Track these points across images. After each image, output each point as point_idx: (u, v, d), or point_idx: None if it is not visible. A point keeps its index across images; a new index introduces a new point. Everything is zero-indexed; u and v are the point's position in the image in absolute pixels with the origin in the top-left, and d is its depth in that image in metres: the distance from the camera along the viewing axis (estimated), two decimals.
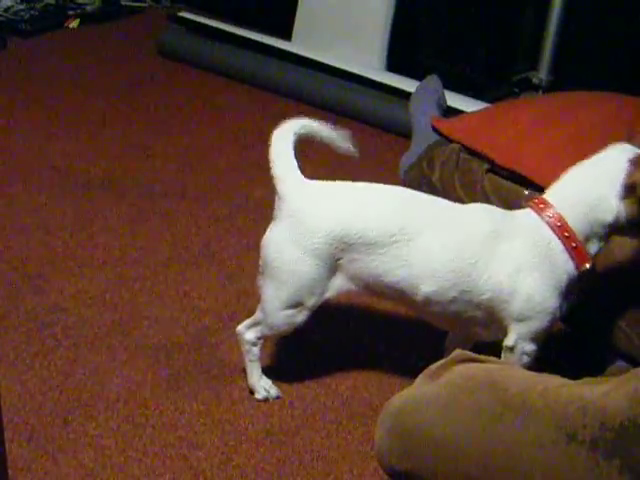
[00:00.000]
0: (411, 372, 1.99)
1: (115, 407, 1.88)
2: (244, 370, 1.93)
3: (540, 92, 3.17)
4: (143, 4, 4.27)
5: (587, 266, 1.76)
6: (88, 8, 4.06)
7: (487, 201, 2.35)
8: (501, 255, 1.74)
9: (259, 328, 1.88)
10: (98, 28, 3.99)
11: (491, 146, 2.43)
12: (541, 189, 2.30)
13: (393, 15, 3.32)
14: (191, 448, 1.79)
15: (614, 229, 1.77)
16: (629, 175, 1.71)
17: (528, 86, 3.18)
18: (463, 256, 1.74)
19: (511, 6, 3.32)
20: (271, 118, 3.20)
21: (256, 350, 1.90)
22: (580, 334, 2.16)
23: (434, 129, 2.60)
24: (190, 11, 3.80)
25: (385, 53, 3.34)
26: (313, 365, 2.02)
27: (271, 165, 1.81)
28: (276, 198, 1.80)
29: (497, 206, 2.32)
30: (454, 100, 2.91)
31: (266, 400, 1.91)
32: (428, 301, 1.78)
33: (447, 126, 2.60)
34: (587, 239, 1.76)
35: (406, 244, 1.74)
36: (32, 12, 3.92)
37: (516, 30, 3.34)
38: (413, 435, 1.38)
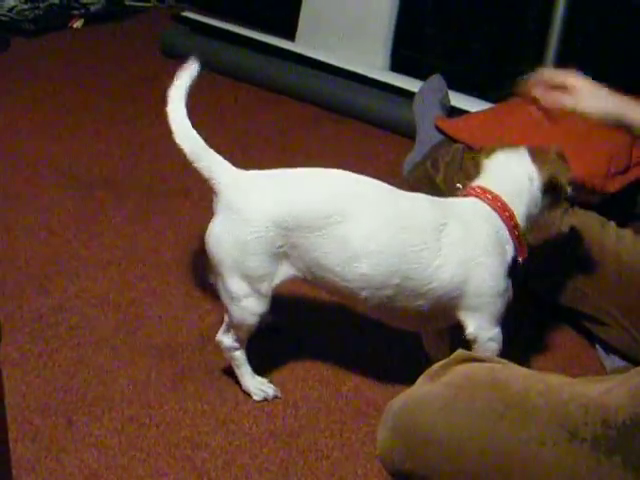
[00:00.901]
0: (414, 371, 1.99)
1: (119, 407, 1.88)
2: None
3: None
4: (147, 4, 4.27)
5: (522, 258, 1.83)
6: (92, 8, 4.06)
7: None
8: (450, 244, 1.74)
9: (232, 331, 1.87)
10: (102, 28, 4.00)
11: None
12: None
13: (397, 15, 3.32)
14: (195, 448, 1.79)
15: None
16: (542, 171, 1.81)
17: None
18: (408, 242, 1.73)
19: (515, 6, 3.32)
20: (275, 118, 3.23)
21: (239, 354, 1.89)
22: (579, 332, 2.16)
23: (438, 129, 2.60)
24: (194, 11, 3.80)
25: (389, 53, 3.34)
26: (316, 365, 2.02)
27: (196, 166, 1.81)
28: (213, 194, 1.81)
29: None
30: (458, 100, 2.91)
31: (265, 400, 1.91)
32: (368, 286, 1.75)
33: (451, 126, 2.60)
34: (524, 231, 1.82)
35: (344, 225, 1.72)
36: (36, 12, 3.93)
37: (520, 30, 3.34)
38: (415, 435, 1.38)
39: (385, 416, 1.44)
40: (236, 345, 1.88)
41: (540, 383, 1.34)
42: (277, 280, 1.80)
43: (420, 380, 1.46)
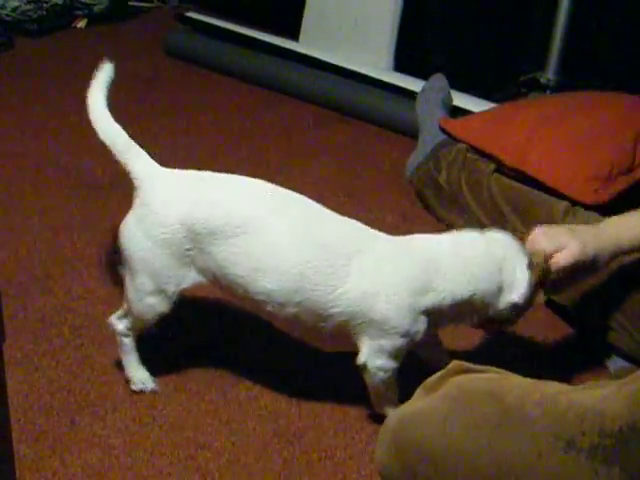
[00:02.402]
0: (416, 371, 1.99)
1: (123, 407, 1.88)
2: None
3: (548, 92, 3.17)
4: (150, 4, 4.27)
5: None
6: (96, 8, 4.06)
7: (494, 201, 2.36)
8: (360, 272, 1.69)
9: (128, 319, 1.86)
10: (105, 28, 4.00)
11: (498, 146, 2.43)
12: (548, 189, 2.31)
13: (400, 15, 3.32)
14: (199, 448, 1.79)
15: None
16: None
17: (536, 86, 3.18)
18: (316, 264, 1.68)
19: (519, 5, 3.32)
20: (278, 118, 3.23)
21: (128, 341, 1.88)
22: (583, 334, 2.15)
23: (441, 129, 2.60)
24: (197, 11, 3.80)
25: (392, 53, 3.34)
26: (320, 365, 2.02)
27: (118, 159, 1.83)
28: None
29: (503, 206, 2.33)
30: (461, 100, 2.91)
31: (142, 392, 1.89)
32: (271, 300, 1.72)
33: (454, 126, 2.60)
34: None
35: (252, 236, 1.68)
36: (39, 12, 3.93)
37: (524, 30, 3.34)
38: (412, 451, 1.38)
39: (381, 432, 1.44)
40: (127, 332, 1.87)
41: (536, 392, 1.33)
42: (185, 284, 1.78)
43: (416, 394, 1.46)
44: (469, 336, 2.12)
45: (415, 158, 2.61)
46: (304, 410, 1.90)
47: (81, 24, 4.00)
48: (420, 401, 1.42)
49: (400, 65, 3.34)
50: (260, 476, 1.74)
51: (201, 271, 1.76)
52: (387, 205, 2.65)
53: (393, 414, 1.46)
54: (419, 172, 2.56)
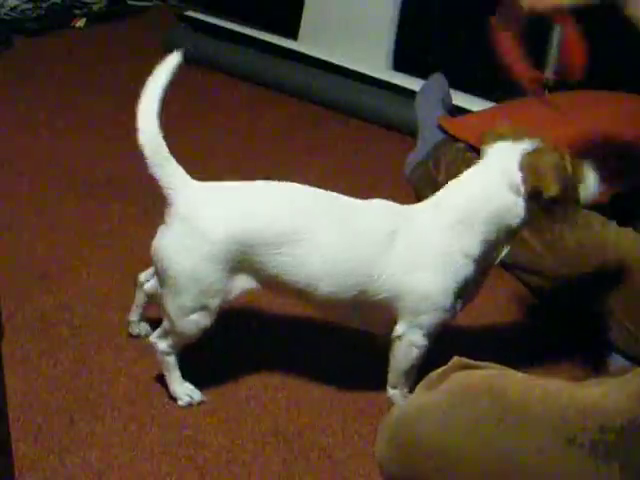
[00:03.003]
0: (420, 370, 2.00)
1: (122, 406, 1.88)
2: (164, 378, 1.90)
3: (547, 91, 3.16)
4: (149, 3, 4.27)
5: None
6: (94, 7, 4.06)
7: None
8: (397, 254, 1.73)
9: (170, 338, 1.83)
10: (104, 27, 4.00)
11: None
12: None
13: (399, 14, 3.32)
14: (197, 447, 1.79)
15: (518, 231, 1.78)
16: (528, 181, 1.70)
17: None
18: (359, 255, 1.73)
19: None
20: (277, 117, 3.23)
21: (171, 359, 1.86)
22: (583, 332, 2.16)
23: (440, 128, 2.60)
24: (196, 10, 3.80)
25: (392, 52, 3.34)
26: (318, 364, 2.02)
27: (153, 172, 1.79)
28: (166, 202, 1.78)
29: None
30: (461, 99, 2.91)
31: (190, 405, 1.88)
32: (329, 300, 1.77)
33: (453, 125, 2.60)
34: (492, 244, 1.75)
35: (301, 244, 1.70)
36: (38, 11, 3.93)
37: (523, 28, 3.33)
38: (413, 446, 1.38)
39: (382, 427, 1.44)
40: (170, 350, 1.85)
41: (538, 389, 1.33)
42: (231, 296, 1.78)
43: (417, 390, 1.46)
44: (471, 333, 2.13)
45: (414, 157, 2.61)
46: (303, 409, 1.90)
47: (80, 23, 3.99)
48: (421, 396, 1.42)
49: (399, 64, 3.34)
50: (259, 475, 1.74)
51: (252, 279, 1.77)
52: None
53: (393, 410, 1.46)
54: (418, 171, 2.56)
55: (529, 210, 1.72)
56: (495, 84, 3.24)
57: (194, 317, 1.77)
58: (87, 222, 2.51)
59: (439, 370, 1.46)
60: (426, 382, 1.45)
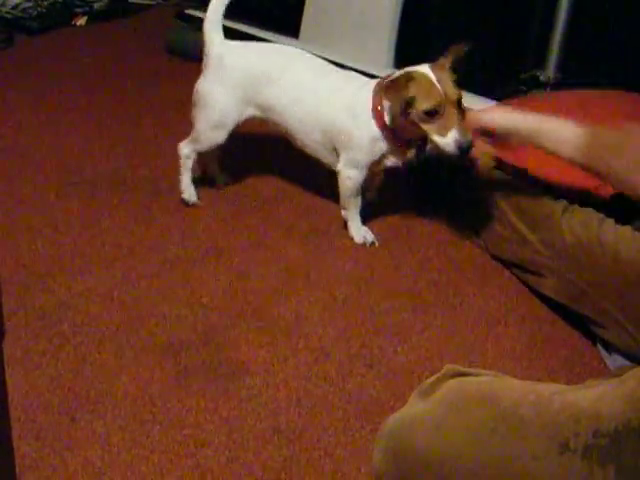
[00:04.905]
0: (416, 370, 2.00)
1: (122, 405, 1.88)
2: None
3: (547, 90, 3.16)
4: (151, 1, 4.28)
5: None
6: (96, 6, 4.07)
7: (493, 198, 2.36)
8: (338, 100, 2.34)
9: (193, 145, 2.53)
10: (105, 26, 4.00)
11: (497, 144, 2.42)
12: (547, 187, 2.31)
13: (400, 12, 3.32)
14: (198, 446, 1.79)
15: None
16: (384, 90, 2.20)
17: (535, 84, 3.18)
18: (320, 97, 2.38)
19: (519, 3, 3.32)
20: None
21: (188, 162, 2.56)
22: (583, 332, 2.16)
23: None
24: (197, 8, 3.80)
25: (393, 50, 3.34)
26: (320, 363, 2.02)
27: (204, 32, 2.48)
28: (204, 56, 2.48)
29: (502, 204, 2.34)
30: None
31: (186, 203, 2.59)
32: (299, 125, 2.43)
33: None
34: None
35: (287, 79, 2.40)
36: (39, 9, 3.93)
37: (524, 27, 3.33)
38: (407, 456, 1.37)
39: (378, 437, 1.44)
40: (190, 155, 2.55)
41: (531, 394, 1.33)
42: (243, 117, 2.47)
43: (412, 398, 1.46)
44: (465, 335, 2.13)
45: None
46: (304, 408, 1.90)
47: (81, 22, 4.00)
48: (415, 406, 1.42)
49: (400, 62, 3.33)
50: (260, 474, 1.74)
51: (256, 107, 2.45)
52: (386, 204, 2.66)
53: (389, 420, 1.45)
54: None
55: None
56: (495, 83, 3.25)
57: (214, 132, 2.48)
58: (89, 220, 2.51)
59: (432, 378, 1.45)
60: (420, 390, 1.45)
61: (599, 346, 2.10)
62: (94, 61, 3.66)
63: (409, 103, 2.15)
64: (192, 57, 3.60)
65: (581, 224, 2.11)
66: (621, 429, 1.21)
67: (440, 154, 2.20)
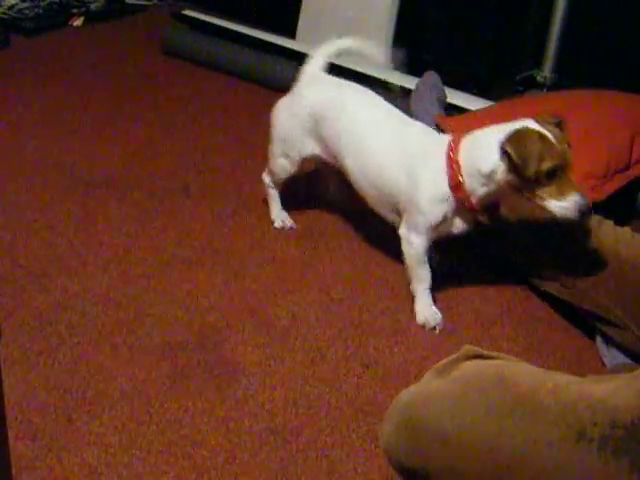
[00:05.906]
0: (415, 369, 2.00)
1: (119, 405, 1.88)
2: None
3: (544, 90, 3.17)
4: (147, 2, 4.27)
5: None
6: (92, 6, 4.06)
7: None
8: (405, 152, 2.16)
9: (270, 175, 2.53)
10: (102, 26, 4.00)
11: None
12: None
13: (397, 13, 3.32)
14: (195, 446, 1.79)
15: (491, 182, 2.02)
16: (504, 143, 1.94)
17: (532, 84, 3.18)
18: (381, 143, 2.23)
19: (515, 3, 3.32)
20: None
21: (273, 192, 2.55)
22: (582, 329, 2.16)
23: (437, 127, 2.60)
24: (194, 9, 3.80)
25: (389, 51, 3.33)
26: (316, 364, 2.02)
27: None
28: None
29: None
30: (458, 98, 2.91)
31: (283, 229, 2.53)
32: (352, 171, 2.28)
33: (451, 124, 2.59)
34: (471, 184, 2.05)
35: (344, 121, 2.29)
36: (36, 10, 3.93)
37: (520, 27, 3.34)
38: (422, 431, 1.38)
39: (390, 411, 1.44)
40: (272, 185, 2.54)
41: (549, 381, 1.33)
42: (305, 153, 2.40)
43: (427, 376, 1.45)
44: (461, 336, 2.13)
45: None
46: (300, 409, 1.90)
47: (78, 22, 3.99)
48: (432, 383, 1.42)
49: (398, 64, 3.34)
50: (257, 474, 1.74)
51: (317, 143, 2.37)
52: None
53: (402, 394, 1.45)
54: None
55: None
56: (492, 83, 3.26)
57: (282, 161, 2.45)
58: (86, 221, 2.51)
59: (450, 358, 1.45)
60: (437, 369, 1.45)
61: (598, 339, 2.10)
62: (90, 62, 3.65)
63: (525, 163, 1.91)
64: (188, 58, 3.61)
65: (580, 225, 2.11)
66: (637, 422, 1.22)
67: (551, 218, 2.00)
